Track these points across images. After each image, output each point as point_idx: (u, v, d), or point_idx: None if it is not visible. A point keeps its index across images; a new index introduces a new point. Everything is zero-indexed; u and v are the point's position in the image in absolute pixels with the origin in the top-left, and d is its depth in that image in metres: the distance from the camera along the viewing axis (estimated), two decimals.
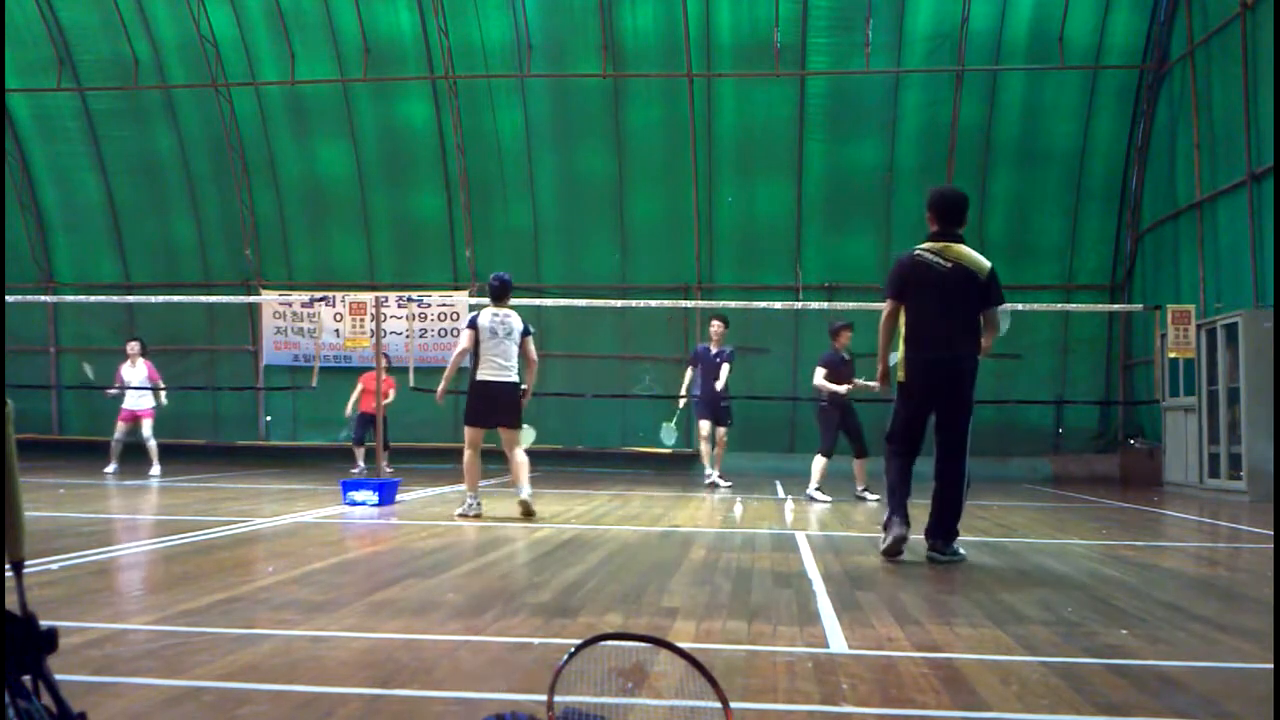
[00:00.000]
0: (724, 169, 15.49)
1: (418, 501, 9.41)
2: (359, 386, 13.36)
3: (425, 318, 15.87)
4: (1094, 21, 14.27)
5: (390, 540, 6.44)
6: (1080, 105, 14.72)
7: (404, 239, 16.42)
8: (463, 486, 8.19)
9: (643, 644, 2.43)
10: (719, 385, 11.51)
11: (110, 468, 13.01)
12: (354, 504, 8.74)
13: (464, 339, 8.04)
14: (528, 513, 7.75)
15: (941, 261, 5.77)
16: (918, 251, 5.87)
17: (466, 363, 8.13)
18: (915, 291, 5.81)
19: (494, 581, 4.79)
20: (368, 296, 10.85)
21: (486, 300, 8.35)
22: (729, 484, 11.87)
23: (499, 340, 7.95)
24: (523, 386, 8.09)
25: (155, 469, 12.90)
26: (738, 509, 9.26)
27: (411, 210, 16.29)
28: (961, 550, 5.79)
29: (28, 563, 2.05)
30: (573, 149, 15.70)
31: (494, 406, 7.91)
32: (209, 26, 15.35)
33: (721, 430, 11.81)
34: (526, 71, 15.16)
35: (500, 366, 7.92)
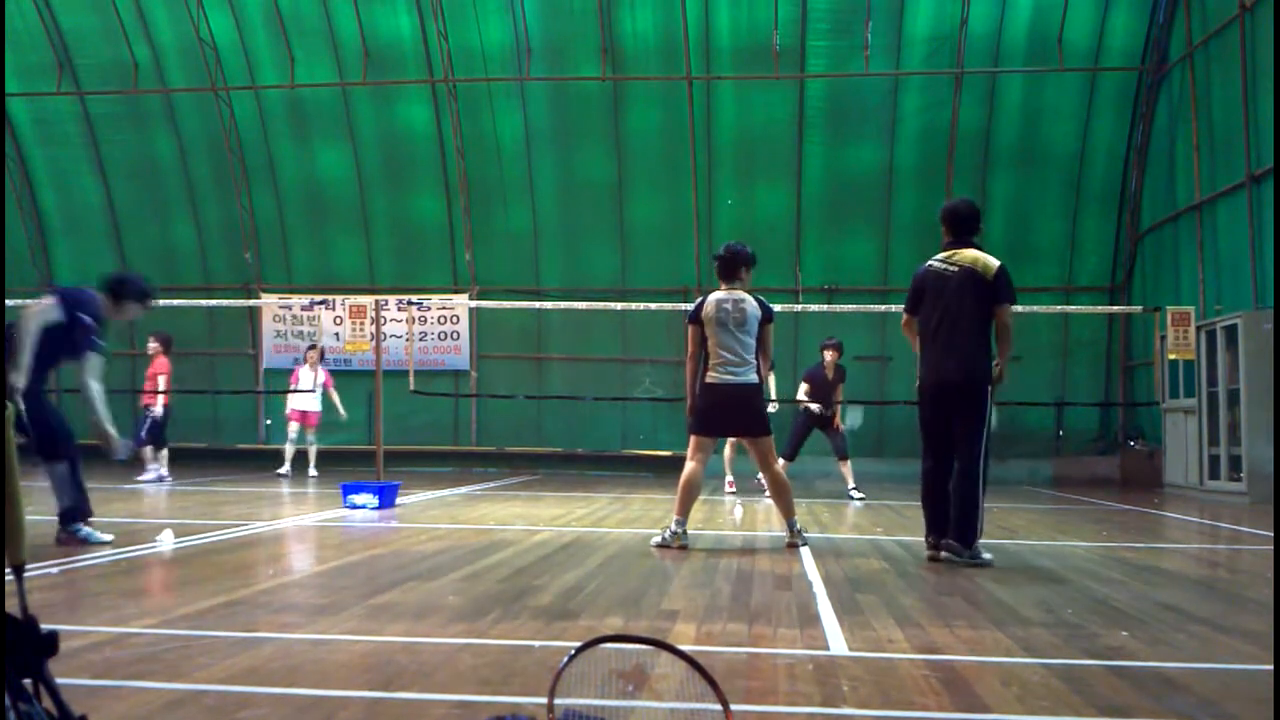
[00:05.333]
0: (723, 171, 15.51)
1: (417, 505, 9.40)
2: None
3: (425, 321, 15.87)
4: (1093, 23, 14.29)
5: (390, 543, 6.44)
6: (1080, 107, 14.75)
7: (404, 242, 16.43)
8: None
9: (643, 646, 2.43)
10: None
11: (284, 469, 13.27)
12: (354, 507, 8.74)
13: (689, 339, 6.47)
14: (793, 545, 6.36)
15: (949, 267, 5.93)
16: (930, 262, 6.06)
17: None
18: (928, 300, 5.97)
19: (494, 584, 4.79)
20: (367, 300, 10.85)
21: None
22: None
23: (729, 332, 6.33)
24: (770, 397, 6.21)
25: (312, 471, 13.31)
26: (737, 511, 9.26)
27: (411, 213, 16.30)
28: (986, 555, 5.79)
29: (28, 566, 2.05)
30: (572, 152, 15.72)
31: (728, 414, 6.42)
32: (209, 30, 15.38)
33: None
34: (526, 75, 15.18)
35: (733, 366, 6.30)
